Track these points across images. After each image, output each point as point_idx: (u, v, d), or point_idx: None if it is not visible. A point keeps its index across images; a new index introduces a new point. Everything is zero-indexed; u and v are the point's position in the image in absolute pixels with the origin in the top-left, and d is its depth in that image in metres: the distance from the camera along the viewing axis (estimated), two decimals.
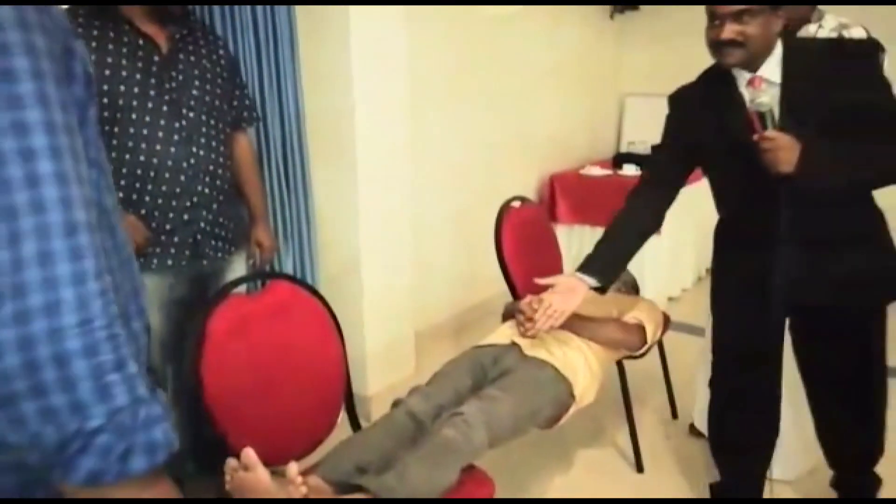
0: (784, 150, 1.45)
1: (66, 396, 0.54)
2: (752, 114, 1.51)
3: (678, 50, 4.45)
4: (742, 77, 1.58)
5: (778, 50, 1.55)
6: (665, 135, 1.84)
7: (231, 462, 1.22)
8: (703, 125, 1.65)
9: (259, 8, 2.11)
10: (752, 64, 1.54)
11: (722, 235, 1.84)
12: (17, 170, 0.53)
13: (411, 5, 2.61)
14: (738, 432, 1.83)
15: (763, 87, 1.53)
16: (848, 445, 1.87)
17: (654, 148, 1.91)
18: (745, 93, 1.56)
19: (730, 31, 1.48)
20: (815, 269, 1.59)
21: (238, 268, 1.90)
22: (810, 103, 1.50)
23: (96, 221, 0.59)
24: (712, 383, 1.89)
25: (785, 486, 2.06)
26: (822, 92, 1.49)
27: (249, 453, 1.19)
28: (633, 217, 1.86)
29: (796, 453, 2.06)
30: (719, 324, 1.85)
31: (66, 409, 0.54)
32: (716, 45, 1.53)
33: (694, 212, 3.72)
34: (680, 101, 1.79)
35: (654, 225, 1.89)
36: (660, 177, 1.88)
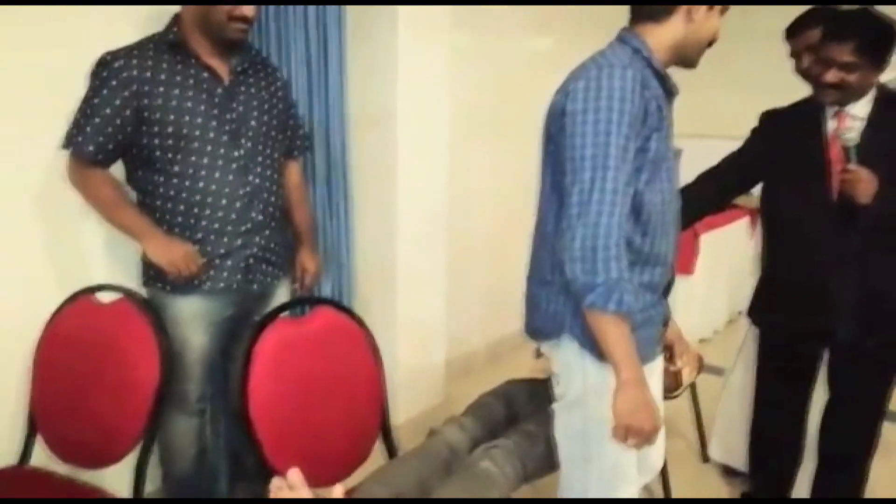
0: (864, 183, 1.60)
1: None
2: (838, 146, 1.67)
3: (713, 90, 4.51)
4: (830, 110, 1.73)
5: (871, 94, 1.70)
6: (745, 142, 1.98)
7: (276, 481, 1.25)
8: (784, 144, 1.79)
9: (312, 44, 2.21)
10: (844, 103, 1.70)
11: (771, 258, 1.96)
12: None
13: (455, 40, 2.69)
14: (773, 453, 2.03)
15: (848, 123, 1.69)
16: (837, 480, 1.96)
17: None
18: (830, 124, 1.73)
19: (834, 76, 1.63)
20: (858, 301, 1.72)
21: (283, 291, 1.96)
22: (885, 145, 1.65)
23: None
24: (756, 407, 2.07)
25: None
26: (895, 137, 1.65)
27: (296, 473, 1.22)
28: (697, 191, 1.94)
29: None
30: (763, 344, 2.00)
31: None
32: (818, 84, 1.69)
33: (728, 253, 3.72)
34: (769, 118, 1.96)
35: (715, 206, 2.07)
36: (726, 171, 1.99)
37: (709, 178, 1.98)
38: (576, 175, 1.21)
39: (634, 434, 1.24)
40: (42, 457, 1.68)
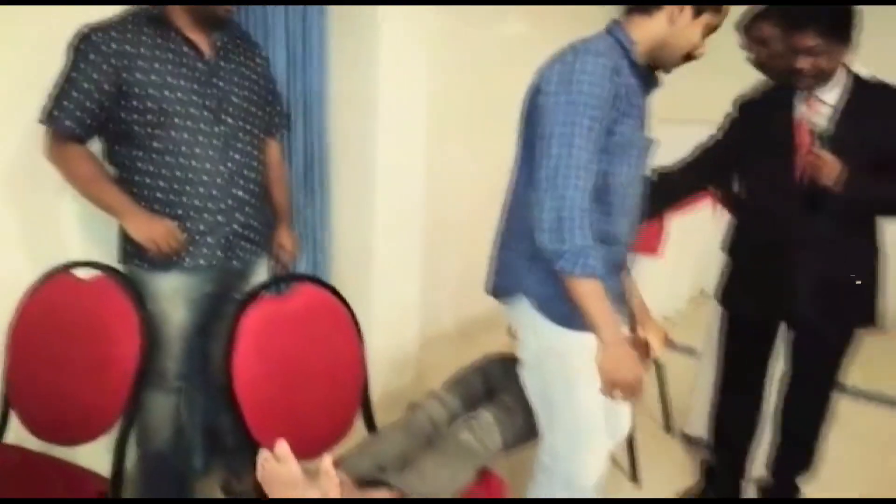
0: (828, 166, 1.66)
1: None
2: (806, 130, 1.74)
3: (682, 76, 4.61)
4: (801, 94, 1.78)
5: (841, 78, 1.75)
6: (720, 130, 2.04)
7: (264, 452, 1.28)
8: (755, 129, 1.84)
9: (292, 21, 2.20)
10: (818, 87, 1.75)
11: (739, 239, 2.04)
12: None
13: (435, 26, 2.70)
14: (735, 423, 2.14)
15: (818, 108, 1.75)
16: (793, 449, 2.09)
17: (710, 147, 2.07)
18: (800, 108, 1.78)
19: (805, 62, 1.69)
20: (819, 280, 1.81)
21: (262, 269, 1.97)
22: (858, 135, 1.71)
23: None
24: (719, 380, 2.15)
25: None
26: (870, 127, 1.71)
27: (283, 446, 1.25)
28: (676, 178, 2.03)
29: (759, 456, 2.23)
30: (728, 320, 2.08)
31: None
32: (792, 73, 1.73)
33: (694, 235, 3.83)
34: (743, 104, 2.01)
35: (693, 192, 2.13)
36: (703, 159, 2.04)
37: (687, 166, 2.04)
38: (544, 151, 1.29)
39: (621, 387, 1.36)
40: (18, 434, 1.67)
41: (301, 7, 2.23)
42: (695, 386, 2.59)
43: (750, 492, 2.21)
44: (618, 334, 1.35)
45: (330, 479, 1.22)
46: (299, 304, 1.64)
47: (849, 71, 1.77)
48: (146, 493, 1.91)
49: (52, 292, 1.66)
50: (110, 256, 1.82)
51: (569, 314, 1.38)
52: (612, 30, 1.39)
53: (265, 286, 1.63)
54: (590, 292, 1.32)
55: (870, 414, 3.04)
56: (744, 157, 1.94)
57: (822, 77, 1.73)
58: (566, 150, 1.27)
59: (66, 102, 1.56)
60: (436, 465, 1.44)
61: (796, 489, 2.13)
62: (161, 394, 1.80)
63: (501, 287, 1.53)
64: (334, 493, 1.21)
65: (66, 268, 1.67)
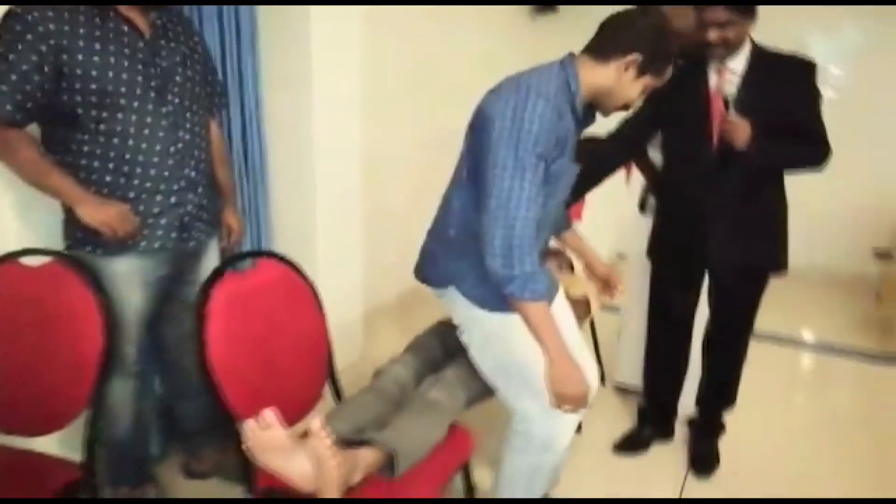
0: (740, 131, 1.85)
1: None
2: (720, 99, 1.91)
3: None
4: (713, 65, 1.96)
5: (746, 47, 1.93)
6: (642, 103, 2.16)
7: (250, 423, 1.32)
8: (672, 98, 1.96)
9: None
10: (727, 56, 1.92)
11: (664, 200, 2.24)
12: None
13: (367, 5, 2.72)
14: (665, 368, 2.36)
15: (728, 77, 1.92)
16: (716, 386, 2.32)
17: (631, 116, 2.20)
18: (713, 78, 1.96)
19: (715, 35, 1.86)
20: (735, 233, 2.01)
21: (213, 250, 1.96)
22: (761, 99, 1.90)
23: None
24: (650, 329, 2.35)
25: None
26: (773, 92, 1.90)
27: (270, 414, 1.30)
28: (608, 152, 2.19)
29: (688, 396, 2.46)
30: (657, 275, 2.28)
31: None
32: (705, 45, 1.89)
33: (609, 199, 4.05)
34: None
35: (623, 163, 2.37)
36: (629, 131, 2.19)
37: (615, 140, 2.19)
38: (495, 182, 1.42)
39: (567, 401, 1.52)
40: None
41: None
42: (620, 339, 2.80)
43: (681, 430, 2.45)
44: (563, 350, 1.51)
45: (321, 439, 1.28)
46: (262, 279, 1.66)
47: (752, 41, 1.95)
48: (109, 480, 1.89)
49: (1, 283, 1.60)
50: (49, 243, 1.76)
51: (503, 302, 1.53)
52: (566, 67, 1.50)
53: (229, 263, 1.64)
54: (537, 313, 1.49)
55: (776, 353, 3.39)
56: (663, 127, 2.12)
57: (732, 47, 1.90)
58: (518, 182, 1.40)
59: (3, 86, 1.50)
60: (413, 422, 1.52)
61: (721, 423, 2.38)
62: (120, 379, 1.78)
63: (432, 279, 1.68)
64: (328, 453, 1.27)
65: (12, 256, 1.61)
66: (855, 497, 2.16)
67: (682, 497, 2.18)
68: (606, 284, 1.94)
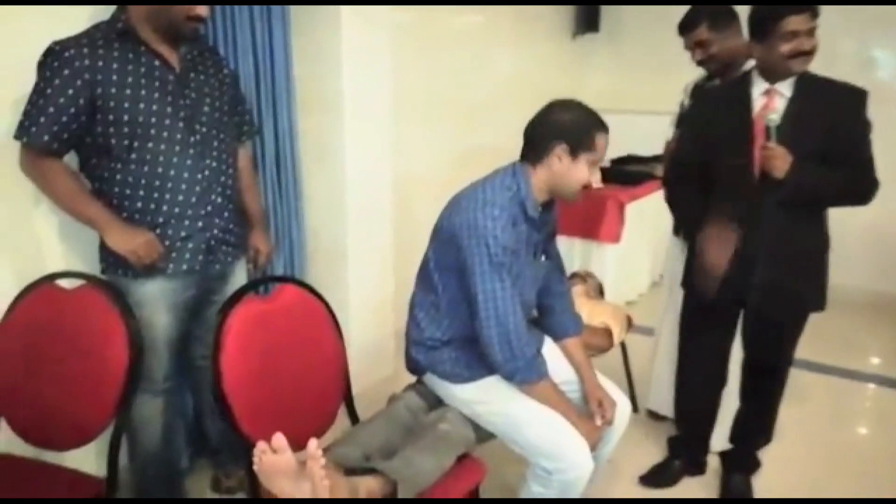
0: (779, 160, 1.76)
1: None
2: (762, 124, 1.81)
3: (635, 70, 4.77)
4: (760, 86, 1.86)
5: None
6: (691, 132, 2.14)
7: (261, 445, 1.35)
8: (717, 120, 1.93)
9: (258, 32, 2.26)
10: (777, 81, 1.83)
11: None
12: None
13: (395, 28, 2.78)
14: (697, 400, 2.26)
15: (777, 101, 1.82)
16: (752, 421, 2.23)
17: (682, 147, 2.20)
18: (759, 102, 1.86)
19: (807, 43, 1.75)
20: (775, 271, 1.90)
21: (240, 272, 2.03)
22: (806, 126, 1.80)
23: None
24: (680, 358, 2.28)
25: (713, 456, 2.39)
26: (819, 121, 1.80)
27: (280, 438, 1.32)
28: (688, 198, 2.14)
29: (722, 428, 2.35)
30: (690, 306, 2.18)
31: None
32: (795, 55, 1.76)
33: (648, 222, 3.99)
34: (700, 94, 2.18)
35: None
36: (693, 165, 2.10)
37: (686, 181, 2.11)
38: (477, 285, 1.58)
39: (594, 435, 1.66)
40: (6, 442, 1.71)
41: (264, 10, 2.29)
42: (654, 364, 2.72)
43: (714, 465, 2.36)
44: (574, 412, 1.67)
45: (315, 461, 1.29)
46: (281, 304, 1.71)
47: None
48: (139, 493, 1.96)
49: (37, 303, 1.70)
50: (90, 266, 1.86)
51: (473, 372, 1.69)
52: (517, 174, 1.65)
53: (248, 288, 1.70)
54: (545, 390, 1.65)
55: (818, 383, 3.24)
56: (708, 150, 1.99)
57: (808, 60, 1.78)
58: (499, 284, 1.57)
59: (41, 118, 1.60)
60: (420, 453, 1.53)
61: (757, 459, 2.28)
62: (149, 396, 1.86)
63: (412, 369, 1.84)
64: (321, 473, 1.28)
65: (50, 278, 1.71)
66: None
67: None
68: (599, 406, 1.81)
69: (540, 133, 1.63)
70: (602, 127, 1.61)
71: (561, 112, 1.63)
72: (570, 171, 1.61)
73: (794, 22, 1.72)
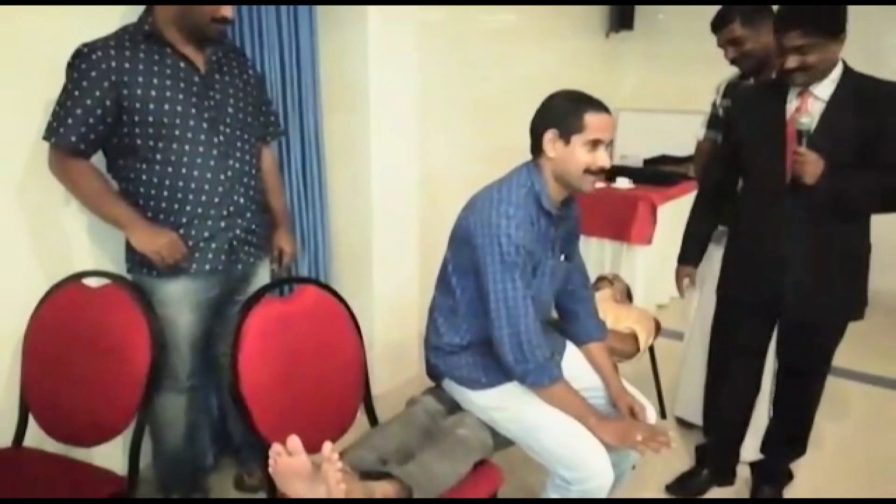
0: (810, 165, 1.69)
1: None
2: (794, 128, 1.73)
3: (669, 68, 4.67)
4: (795, 89, 1.79)
5: (836, 73, 1.75)
6: (725, 135, 2.11)
7: (276, 447, 1.34)
8: (751, 121, 1.88)
9: (284, 33, 2.28)
10: (811, 82, 1.75)
11: (733, 231, 2.09)
12: None
13: (423, 27, 2.76)
14: (728, 408, 2.18)
15: (809, 106, 1.75)
16: (785, 432, 2.15)
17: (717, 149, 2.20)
18: (793, 104, 1.79)
19: (793, 61, 1.69)
20: (812, 280, 1.83)
21: (263, 271, 2.04)
22: (844, 132, 1.72)
23: None
24: (711, 365, 2.22)
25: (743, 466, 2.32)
26: (857, 124, 1.71)
27: (295, 440, 1.32)
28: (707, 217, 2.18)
29: (753, 438, 2.27)
30: (724, 313, 2.11)
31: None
32: (783, 72, 1.73)
33: (680, 224, 3.88)
34: (738, 93, 2.14)
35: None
36: (718, 187, 2.12)
37: (708, 199, 2.17)
38: (490, 287, 1.56)
39: (629, 442, 1.57)
40: (36, 437, 1.75)
41: (291, 11, 2.30)
42: (683, 370, 2.65)
43: (744, 475, 2.29)
44: (594, 416, 1.60)
45: (331, 464, 1.28)
46: (301, 305, 1.71)
47: (844, 65, 1.76)
48: (163, 490, 1.99)
49: (64, 301, 1.73)
50: (118, 265, 1.89)
51: (491, 378, 1.67)
52: (530, 170, 1.64)
53: (268, 289, 1.70)
54: (560, 393, 1.60)
55: (853, 391, 3.12)
56: (742, 151, 1.93)
57: (813, 74, 1.71)
58: (511, 284, 1.54)
59: (69, 119, 1.63)
60: (437, 458, 1.51)
61: (789, 470, 2.21)
62: (173, 394, 1.88)
63: (432, 376, 1.83)
64: (337, 476, 1.27)
65: (77, 277, 1.74)
66: None
67: None
68: (630, 412, 1.76)
69: (532, 126, 1.64)
70: (591, 105, 1.56)
71: (548, 101, 1.64)
72: (567, 157, 1.58)
73: (788, 38, 1.68)
